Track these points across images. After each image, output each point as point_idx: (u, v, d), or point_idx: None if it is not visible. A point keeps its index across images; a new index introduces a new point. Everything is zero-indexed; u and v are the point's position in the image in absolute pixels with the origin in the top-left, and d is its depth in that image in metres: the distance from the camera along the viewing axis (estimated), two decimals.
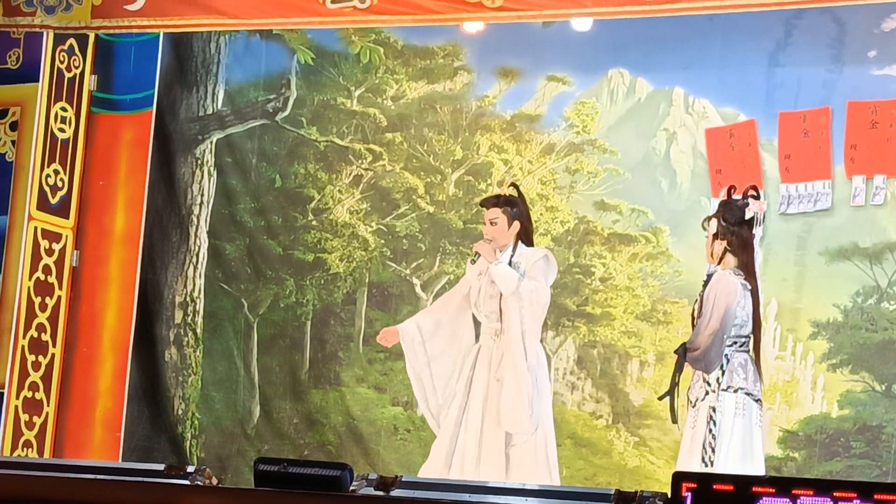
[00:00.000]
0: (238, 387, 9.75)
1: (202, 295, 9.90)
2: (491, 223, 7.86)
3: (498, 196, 7.91)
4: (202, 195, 9.93)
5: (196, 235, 9.92)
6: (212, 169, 9.94)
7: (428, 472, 7.68)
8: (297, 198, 9.76)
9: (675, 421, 7.36)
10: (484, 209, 7.91)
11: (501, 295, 7.77)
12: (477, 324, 7.99)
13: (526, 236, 7.92)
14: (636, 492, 5.44)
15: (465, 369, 7.88)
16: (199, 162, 9.96)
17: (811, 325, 8.58)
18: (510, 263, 7.78)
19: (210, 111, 9.98)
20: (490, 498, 5.63)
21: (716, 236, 7.32)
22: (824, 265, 8.58)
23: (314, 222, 9.72)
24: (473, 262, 7.87)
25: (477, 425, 7.75)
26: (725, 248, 7.32)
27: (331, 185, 9.71)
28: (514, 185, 8.01)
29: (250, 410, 9.71)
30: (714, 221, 7.31)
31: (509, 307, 7.74)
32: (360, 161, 9.67)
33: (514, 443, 7.72)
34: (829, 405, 8.46)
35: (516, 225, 7.86)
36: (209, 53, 9.98)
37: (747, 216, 7.30)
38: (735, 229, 7.30)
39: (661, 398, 7.44)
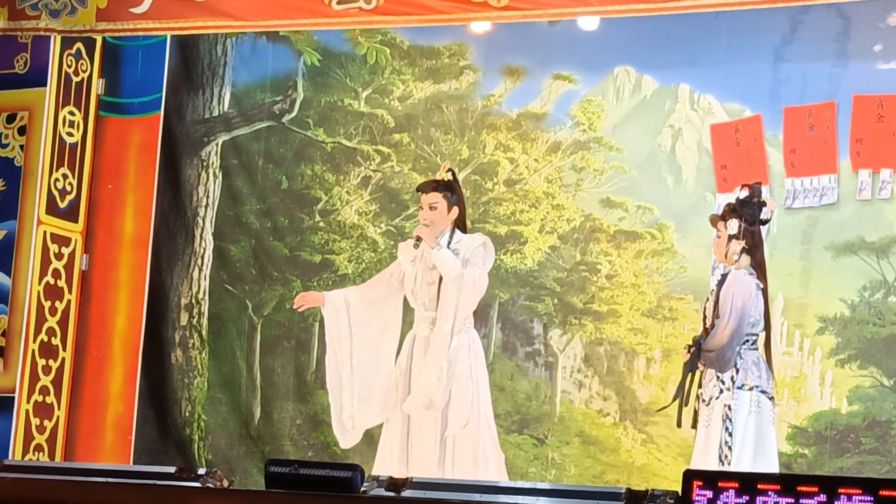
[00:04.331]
0: (241, 388, 9.75)
1: (207, 297, 9.90)
2: (430, 207, 7.72)
3: (437, 181, 7.80)
4: (207, 197, 9.93)
5: (201, 237, 9.91)
6: (217, 171, 9.94)
7: (380, 470, 7.44)
8: (304, 199, 9.75)
9: (679, 424, 7.35)
10: (422, 193, 7.77)
11: (440, 282, 7.67)
12: (407, 310, 7.89)
13: (462, 223, 7.83)
14: (647, 490, 5.43)
15: (401, 360, 7.76)
16: (205, 164, 9.96)
17: (818, 321, 8.57)
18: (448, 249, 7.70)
19: (216, 113, 9.97)
20: (501, 497, 5.63)
21: (735, 236, 7.30)
22: (831, 260, 8.57)
23: (321, 224, 9.71)
24: (416, 246, 7.69)
25: (418, 418, 7.65)
26: (743, 247, 7.32)
27: (338, 187, 9.71)
28: (451, 170, 7.95)
29: (252, 412, 9.71)
30: (735, 221, 7.29)
31: (447, 294, 7.64)
32: (368, 162, 9.66)
33: (447, 435, 7.60)
34: (838, 401, 8.45)
35: (455, 210, 7.76)
36: (215, 56, 9.98)
37: (765, 216, 7.31)
38: (753, 229, 7.31)
39: (662, 408, 7.41)
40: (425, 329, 7.74)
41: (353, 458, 8.89)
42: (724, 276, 7.35)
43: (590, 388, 9.08)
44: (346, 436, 7.83)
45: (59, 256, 9.44)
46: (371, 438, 9.24)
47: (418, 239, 7.68)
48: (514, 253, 9.28)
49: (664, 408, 7.40)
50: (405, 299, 7.86)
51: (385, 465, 7.58)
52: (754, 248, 7.33)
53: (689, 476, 5.26)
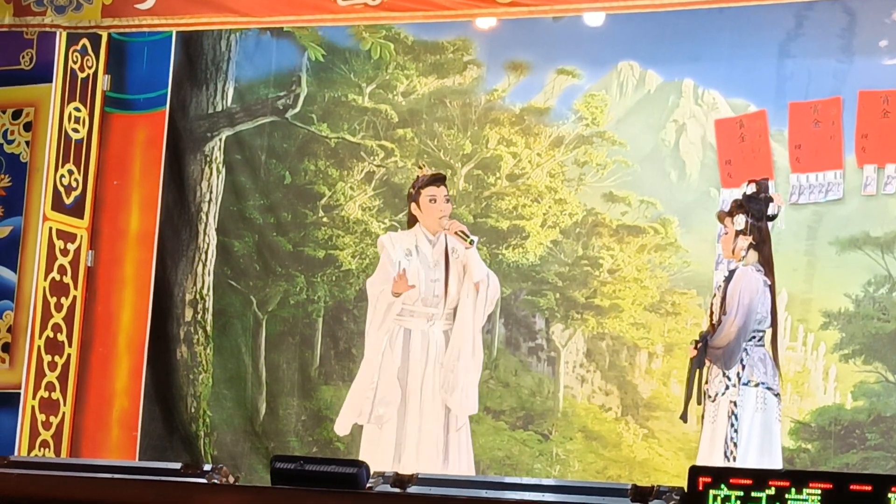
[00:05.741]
0: (246, 384, 9.76)
1: (211, 292, 9.90)
2: (446, 200, 7.69)
3: (438, 174, 7.75)
4: (210, 192, 9.93)
5: (205, 233, 9.91)
6: (220, 166, 9.94)
7: (376, 466, 7.44)
8: (308, 195, 9.75)
9: (685, 420, 7.34)
10: (432, 186, 7.67)
11: (447, 278, 7.64)
12: None
13: None
14: (652, 486, 5.43)
15: (395, 356, 7.68)
16: (208, 159, 9.96)
17: (822, 316, 8.56)
18: None
19: (220, 109, 9.97)
20: (507, 493, 5.63)
21: (742, 232, 7.29)
22: (835, 255, 8.57)
23: (325, 219, 9.71)
24: (471, 243, 7.59)
25: (417, 414, 7.63)
26: (750, 243, 7.32)
27: (342, 182, 9.71)
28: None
29: (257, 408, 9.71)
30: (742, 217, 7.28)
31: (472, 292, 7.60)
32: (371, 157, 9.66)
33: (455, 429, 7.61)
34: (842, 396, 8.45)
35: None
36: (219, 51, 9.97)
37: (772, 212, 7.31)
38: (760, 225, 7.30)
39: (682, 414, 7.33)
40: (422, 324, 7.71)
41: (354, 454, 8.94)
42: (731, 273, 7.34)
43: (592, 383, 9.09)
44: (350, 426, 7.78)
45: (64, 252, 9.44)
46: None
47: (466, 235, 7.60)
48: (516, 247, 9.29)
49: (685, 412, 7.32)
50: None
51: (383, 461, 7.56)
52: (761, 244, 7.32)
53: (695, 472, 5.26)
